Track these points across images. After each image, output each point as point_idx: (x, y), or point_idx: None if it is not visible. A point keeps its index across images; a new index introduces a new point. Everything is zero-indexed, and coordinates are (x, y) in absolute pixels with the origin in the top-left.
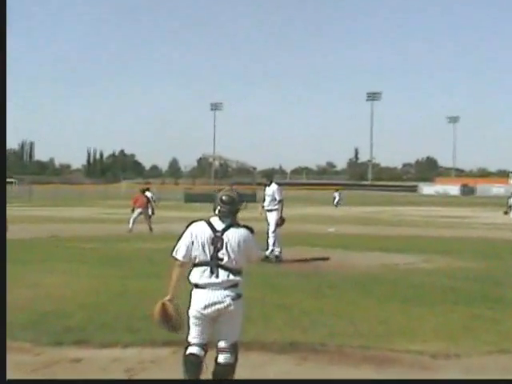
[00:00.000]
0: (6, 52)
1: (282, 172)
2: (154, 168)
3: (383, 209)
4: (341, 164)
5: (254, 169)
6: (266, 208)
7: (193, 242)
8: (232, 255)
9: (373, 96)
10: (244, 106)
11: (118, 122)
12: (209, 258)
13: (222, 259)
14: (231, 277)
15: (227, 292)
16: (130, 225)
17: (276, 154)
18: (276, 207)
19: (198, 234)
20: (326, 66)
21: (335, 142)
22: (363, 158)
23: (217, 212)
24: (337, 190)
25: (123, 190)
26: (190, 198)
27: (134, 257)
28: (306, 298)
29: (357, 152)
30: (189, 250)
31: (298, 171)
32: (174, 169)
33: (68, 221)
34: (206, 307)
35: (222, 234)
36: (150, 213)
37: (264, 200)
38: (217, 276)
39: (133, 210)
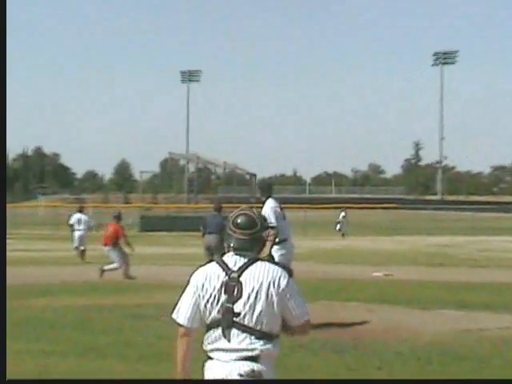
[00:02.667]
0: (5, 52)
1: (297, 181)
2: (91, 176)
3: (462, 239)
4: (392, 168)
5: (253, 176)
6: None
7: (199, 296)
8: (254, 308)
9: (443, 57)
10: (234, 77)
11: (33, 102)
12: (220, 313)
13: (238, 314)
14: (251, 342)
15: (238, 365)
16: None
17: (287, 155)
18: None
19: (205, 283)
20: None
21: (382, 134)
22: (428, 158)
23: (231, 245)
24: (343, 209)
25: (41, 211)
26: (150, 225)
27: (60, 320)
28: None
29: (417, 149)
30: (194, 310)
31: (322, 180)
32: (124, 177)
33: None
34: None
35: (240, 275)
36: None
37: None
38: (228, 339)
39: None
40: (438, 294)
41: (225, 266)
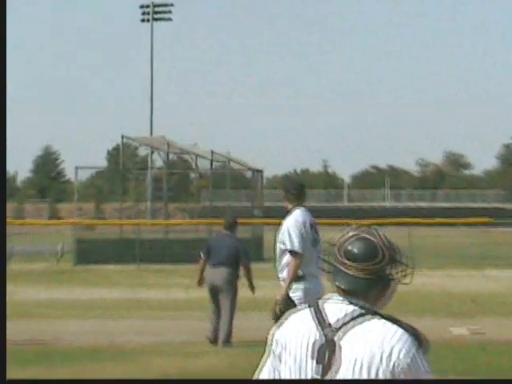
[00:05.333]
0: (5, 52)
1: (330, 181)
2: None
3: None
4: (483, 160)
5: (258, 173)
6: (278, 275)
7: (280, 359)
8: None
9: None
10: (224, 14)
11: None
12: None
13: None
14: None
15: None
16: None
17: (311, 138)
18: (286, 272)
19: (288, 341)
20: None
21: (464, 103)
22: None
23: (337, 284)
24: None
25: None
26: (91, 253)
27: None
28: None
29: None
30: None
31: (369, 179)
32: (49, 177)
33: None
34: None
35: (335, 335)
36: None
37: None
38: None
39: None
40: None
41: (321, 319)
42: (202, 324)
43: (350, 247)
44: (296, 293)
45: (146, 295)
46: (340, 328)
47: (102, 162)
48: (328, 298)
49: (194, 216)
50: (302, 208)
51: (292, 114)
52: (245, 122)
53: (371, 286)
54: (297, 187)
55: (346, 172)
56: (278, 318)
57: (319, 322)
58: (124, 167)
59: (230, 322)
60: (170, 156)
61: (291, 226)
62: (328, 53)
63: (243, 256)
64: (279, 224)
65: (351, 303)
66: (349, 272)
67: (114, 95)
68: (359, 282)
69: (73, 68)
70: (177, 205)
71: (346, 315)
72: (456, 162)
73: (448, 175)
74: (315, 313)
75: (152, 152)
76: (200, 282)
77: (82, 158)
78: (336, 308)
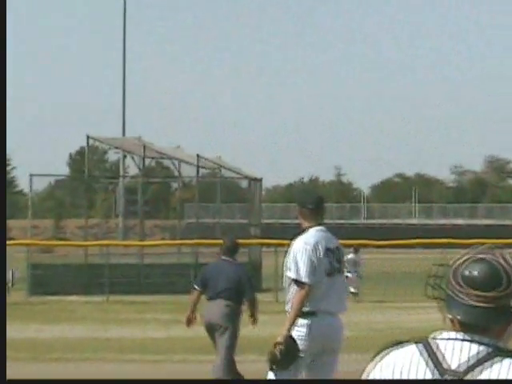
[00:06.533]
0: (5, 52)
1: (344, 192)
2: None
3: None
4: None
5: (256, 183)
6: (286, 307)
7: None
8: None
9: None
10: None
11: None
12: None
13: None
14: None
15: None
16: None
17: (321, 141)
18: (290, 304)
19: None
20: None
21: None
22: None
23: (451, 316)
24: (355, 250)
25: None
26: (48, 282)
27: None
28: None
29: None
30: None
31: (392, 189)
32: None
33: None
34: None
35: (460, 380)
36: None
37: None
38: None
39: None
40: None
41: (436, 361)
42: (186, 368)
43: (467, 271)
44: (299, 329)
45: (117, 333)
46: (464, 373)
47: (62, 169)
48: (440, 334)
49: (175, 236)
50: (319, 228)
51: (296, 109)
52: (238, 118)
53: (491, 318)
54: (314, 201)
55: (364, 182)
56: (276, 361)
57: (433, 364)
58: (90, 175)
59: (226, 367)
60: (147, 161)
61: (298, 250)
62: (336, 43)
63: (247, 287)
64: (280, 245)
65: (474, 342)
66: (466, 301)
67: (77, 87)
68: (479, 312)
69: (26, 53)
70: (155, 222)
71: (470, 357)
72: (500, 168)
73: (490, 185)
74: (428, 353)
75: (124, 156)
76: (190, 320)
77: (38, 164)
78: (455, 347)
